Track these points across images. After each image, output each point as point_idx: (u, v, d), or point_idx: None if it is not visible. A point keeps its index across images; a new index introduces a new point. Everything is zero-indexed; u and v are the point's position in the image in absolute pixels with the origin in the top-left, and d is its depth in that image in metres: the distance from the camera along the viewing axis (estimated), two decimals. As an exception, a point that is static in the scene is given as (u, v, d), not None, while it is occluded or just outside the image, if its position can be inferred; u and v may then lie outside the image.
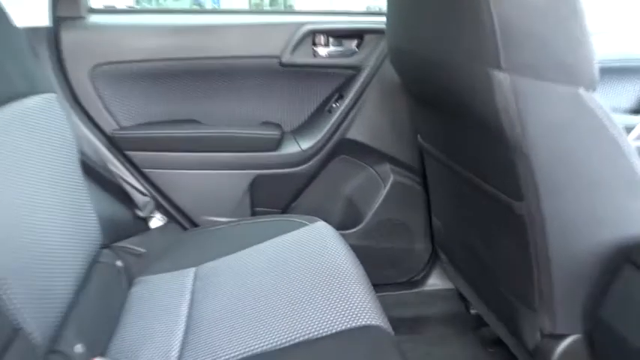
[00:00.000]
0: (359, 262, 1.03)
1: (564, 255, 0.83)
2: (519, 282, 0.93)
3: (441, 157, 1.15)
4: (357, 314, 0.82)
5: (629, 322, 0.78)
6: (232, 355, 0.77)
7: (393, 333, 0.82)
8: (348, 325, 0.80)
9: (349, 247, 1.06)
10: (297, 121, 1.41)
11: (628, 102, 1.54)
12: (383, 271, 1.52)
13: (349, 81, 1.37)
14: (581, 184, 0.78)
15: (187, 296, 0.96)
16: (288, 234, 1.12)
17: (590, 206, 0.79)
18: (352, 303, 0.84)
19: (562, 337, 0.88)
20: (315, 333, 0.80)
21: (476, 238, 1.09)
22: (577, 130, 0.75)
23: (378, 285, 1.52)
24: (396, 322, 1.50)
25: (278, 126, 1.38)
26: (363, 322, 0.81)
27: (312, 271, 0.94)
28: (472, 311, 1.43)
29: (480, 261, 1.10)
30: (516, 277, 0.94)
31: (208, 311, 0.90)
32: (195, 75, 1.33)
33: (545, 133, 0.75)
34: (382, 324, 0.82)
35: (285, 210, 1.43)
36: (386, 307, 1.53)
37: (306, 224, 1.17)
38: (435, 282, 1.55)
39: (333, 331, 0.80)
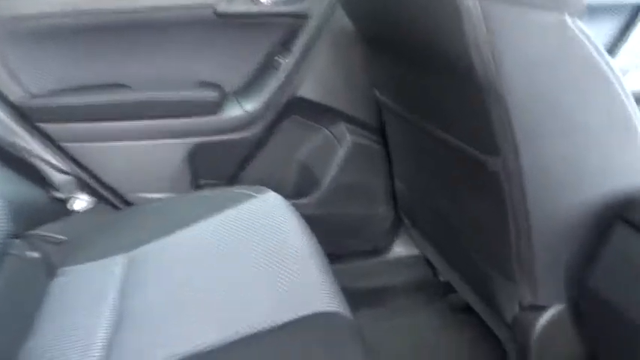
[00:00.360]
0: (313, 237, 0.92)
1: (546, 215, 0.71)
2: (495, 249, 0.82)
3: (401, 111, 1.02)
4: (310, 300, 0.71)
5: (621, 289, 0.68)
6: (165, 356, 0.66)
7: (351, 317, 0.71)
8: (301, 314, 0.68)
9: (302, 220, 0.95)
10: (239, 80, 1.25)
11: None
12: (344, 241, 1.40)
13: (296, 31, 1.21)
14: (567, 131, 0.67)
15: (116, 287, 0.82)
16: (233, 209, 1.00)
17: (577, 157, 0.68)
18: (305, 287, 0.73)
19: (544, 308, 0.78)
20: (263, 325, 0.68)
21: (444, 201, 0.97)
22: (563, 67, 0.63)
23: (339, 256, 1.41)
24: (360, 295, 1.41)
25: (217, 86, 1.22)
26: (318, 309, 0.69)
27: (260, 251, 0.82)
28: (441, 278, 1.33)
29: (449, 226, 0.99)
30: (491, 244, 0.83)
31: (140, 303, 0.77)
32: (117, 30, 1.15)
33: (524, 70, 0.62)
34: (340, 309, 0.70)
35: (231, 181, 1.28)
36: (348, 278, 1.43)
37: (254, 196, 1.04)
38: (401, 249, 1.44)
39: (284, 321, 0.68)
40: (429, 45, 0.72)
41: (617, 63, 0.65)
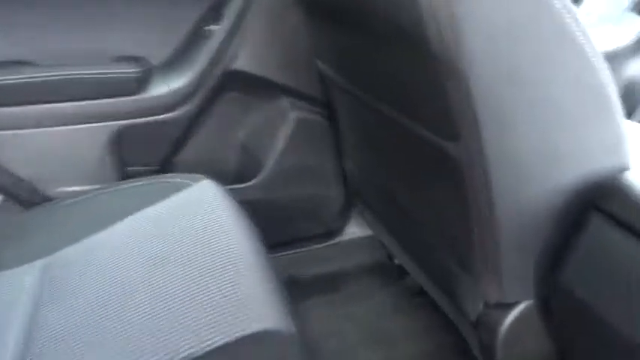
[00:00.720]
0: (254, 231, 0.82)
1: (513, 206, 0.63)
2: (456, 243, 0.74)
3: (347, 86, 0.91)
4: (247, 317, 0.61)
5: (594, 286, 0.61)
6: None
7: (295, 333, 0.61)
8: (237, 334, 0.58)
9: (243, 212, 0.85)
10: (164, 53, 1.10)
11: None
12: (294, 225, 1.30)
13: (227, -5, 1.07)
14: (537, 110, 0.57)
15: (28, 301, 0.71)
16: (162, 202, 0.89)
17: (548, 139, 0.59)
18: (242, 302, 0.63)
19: (511, 305, 0.70)
20: (191, 350, 0.58)
21: (399, 185, 0.88)
22: (533, 37, 0.53)
23: (288, 242, 1.32)
24: (312, 282, 1.33)
25: (139, 61, 1.07)
26: (256, 328, 0.59)
27: (193, 254, 0.72)
28: (396, 261, 1.26)
29: (405, 213, 0.90)
30: (452, 237, 0.74)
31: (55, 321, 0.66)
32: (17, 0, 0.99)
33: (487, 40, 0.52)
34: (281, 326, 0.60)
35: (164, 167, 1.15)
36: (300, 265, 1.34)
37: (187, 185, 0.94)
38: (354, 230, 1.36)
39: (217, 344, 0.58)
40: (376, 10, 0.61)
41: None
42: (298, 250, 1.33)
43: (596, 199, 0.61)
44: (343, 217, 1.33)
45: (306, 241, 1.33)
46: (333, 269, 1.33)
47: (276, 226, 1.29)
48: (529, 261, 0.66)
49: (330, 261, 1.34)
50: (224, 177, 1.04)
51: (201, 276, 0.68)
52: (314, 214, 1.31)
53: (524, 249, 0.66)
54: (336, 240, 1.35)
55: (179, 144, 1.14)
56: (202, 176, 0.94)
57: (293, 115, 1.20)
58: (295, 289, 1.26)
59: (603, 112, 0.59)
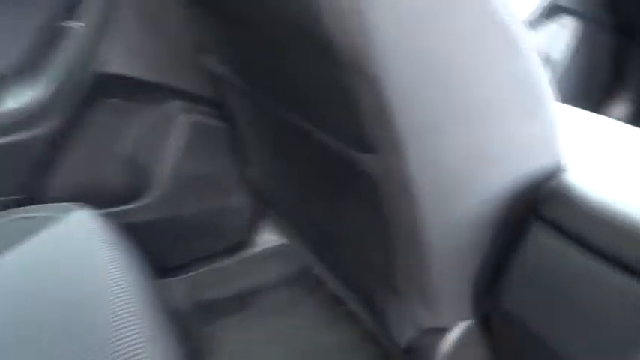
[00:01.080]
0: (137, 260, 0.69)
1: (442, 222, 0.53)
2: (378, 264, 0.64)
3: (242, 86, 0.78)
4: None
5: (536, 303, 0.53)
6: None
7: None
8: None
9: (125, 240, 0.72)
10: (14, 58, 0.91)
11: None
12: (197, 242, 1.16)
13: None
14: (463, 112, 0.48)
15: None
16: (23, 244, 0.73)
17: (477, 144, 0.50)
18: (114, 345, 0.50)
19: (447, 329, 0.61)
20: None
21: (309, 199, 0.76)
22: (455, 30, 0.43)
23: (193, 261, 1.18)
24: (224, 301, 1.19)
25: None
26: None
27: (60, 314, 0.60)
28: (315, 270, 1.15)
29: (319, 226, 0.79)
30: (375, 259, 0.64)
31: None
32: None
33: (401, 33, 0.41)
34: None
35: (30, 195, 0.96)
36: (209, 285, 1.20)
37: (55, 218, 0.78)
38: (268, 238, 1.23)
39: None
40: (266, 3, 0.49)
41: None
42: (205, 268, 1.19)
43: (536, 205, 0.53)
44: (253, 227, 1.21)
45: (213, 258, 1.20)
46: (247, 285, 1.20)
47: (176, 246, 1.15)
48: (465, 280, 0.57)
49: (242, 276, 1.21)
50: (107, 199, 0.88)
51: (65, 342, 0.54)
52: (219, 228, 1.17)
53: (458, 268, 0.57)
54: (248, 252, 1.23)
55: (46, 166, 0.96)
56: (73, 205, 0.78)
57: (184, 120, 1.05)
58: (204, 312, 1.14)
59: (537, 108, 0.50)
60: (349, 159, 0.54)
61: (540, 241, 0.52)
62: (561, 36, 1.44)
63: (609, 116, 1.50)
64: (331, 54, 0.45)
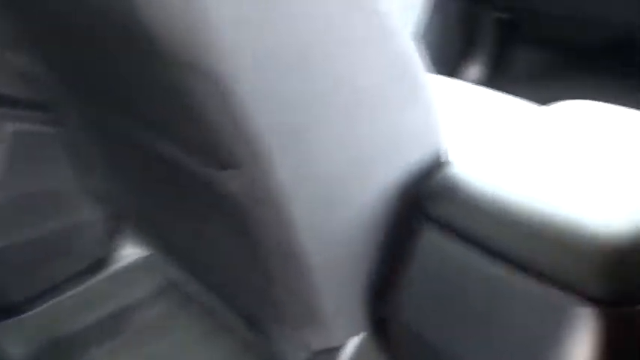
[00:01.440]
0: None
1: (321, 237, 0.46)
2: (254, 286, 0.55)
3: (65, 89, 0.65)
4: None
5: (430, 310, 0.48)
6: None
7: None
8: None
9: None
10: None
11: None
12: (48, 269, 1.01)
13: None
14: (332, 105, 0.40)
15: None
16: None
17: (352, 139, 0.43)
18: None
19: (340, 347, 0.55)
20: None
21: (169, 217, 0.65)
22: (315, 12, 0.34)
23: (47, 291, 1.02)
24: (87, 333, 1.05)
25: None
26: None
27: None
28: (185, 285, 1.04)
29: (187, 245, 0.68)
30: (248, 283, 0.56)
31: None
32: None
33: (247, 28, 0.32)
34: None
35: None
36: (67, 316, 1.05)
37: None
38: (131, 251, 1.09)
39: None
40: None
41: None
42: (61, 297, 1.03)
43: (422, 203, 0.47)
44: (112, 242, 1.06)
45: (69, 284, 1.04)
46: (113, 307, 1.06)
47: (22, 277, 0.98)
48: (353, 294, 0.51)
49: (106, 299, 1.06)
50: None
51: None
52: (72, 248, 1.02)
53: (344, 282, 0.50)
54: (110, 270, 1.08)
55: None
56: None
57: (8, 129, 0.87)
58: (65, 346, 0.99)
59: (414, 94, 0.44)
60: (205, 176, 0.45)
61: (429, 242, 0.47)
62: (415, 3, 1.44)
63: (465, 80, 1.55)
64: (163, 52, 0.35)
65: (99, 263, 1.06)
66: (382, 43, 0.42)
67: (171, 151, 0.47)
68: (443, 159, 0.49)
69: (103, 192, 0.93)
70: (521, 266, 0.41)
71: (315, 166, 0.42)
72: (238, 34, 0.32)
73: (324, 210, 0.45)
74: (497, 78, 1.51)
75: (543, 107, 0.59)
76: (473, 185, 0.46)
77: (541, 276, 0.40)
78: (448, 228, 0.46)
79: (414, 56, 0.44)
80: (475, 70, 1.54)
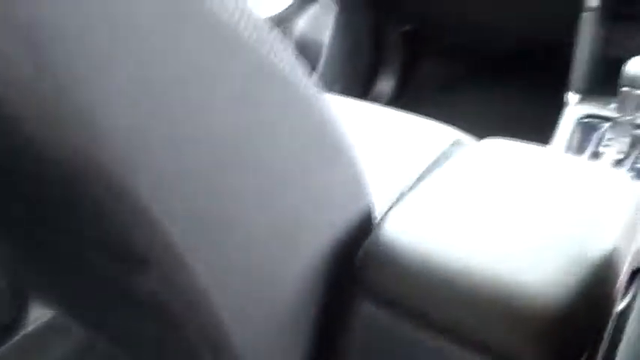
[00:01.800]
0: None
1: (253, 325, 0.43)
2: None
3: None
4: None
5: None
6: None
7: None
8: None
9: None
10: None
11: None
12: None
13: None
14: (252, 187, 0.37)
15: None
16: None
17: (276, 217, 0.40)
18: None
19: None
20: None
21: (80, 296, 0.59)
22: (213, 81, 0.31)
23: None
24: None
25: None
26: None
27: None
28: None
29: (103, 326, 0.62)
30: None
31: None
32: None
33: (135, 105, 0.29)
34: None
35: None
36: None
37: None
38: (41, 313, 1.00)
39: None
40: None
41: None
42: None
43: (354, 272, 0.45)
44: (19, 307, 0.97)
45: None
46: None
47: None
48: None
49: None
50: None
51: None
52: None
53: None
54: (19, 336, 0.99)
55: None
56: None
57: None
58: None
59: (337, 161, 0.42)
60: (118, 279, 0.40)
61: (363, 314, 0.45)
62: (326, 18, 1.42)
63: (377, 94, 1.54)
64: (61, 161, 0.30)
65: (7, 330, 0.96)
66: (299, 113, 0.39)
67: (76, 245, 0.41)
68: (372, 222, 0.47)
69: (6, 258, 0.84)
70: (457, 336, 0.40)
71: (237, 254, 0.39)
72: (139, 118, 0.28)
73: (252, 298, 0.42)
74: (409, 90, 1.53)
75: (466, 147, 0.58)
76: (402, 250, 0.44)
77: (475, 344, 0.39)
78: (382, 297, 0.44)
79: (332, 120, 0.42)
80: (386, 83, 1.55)
